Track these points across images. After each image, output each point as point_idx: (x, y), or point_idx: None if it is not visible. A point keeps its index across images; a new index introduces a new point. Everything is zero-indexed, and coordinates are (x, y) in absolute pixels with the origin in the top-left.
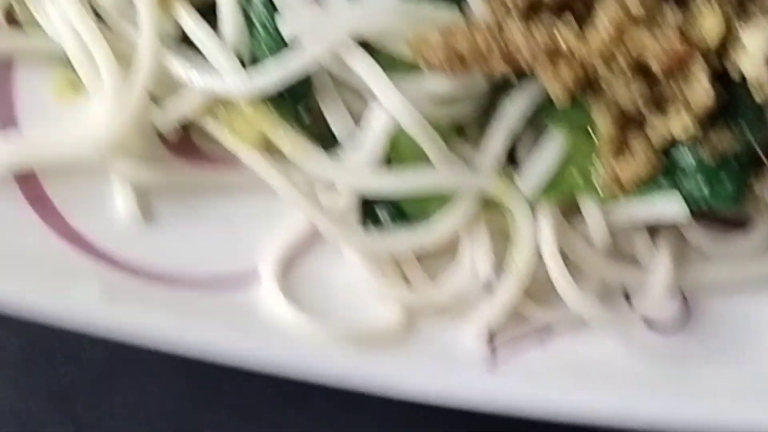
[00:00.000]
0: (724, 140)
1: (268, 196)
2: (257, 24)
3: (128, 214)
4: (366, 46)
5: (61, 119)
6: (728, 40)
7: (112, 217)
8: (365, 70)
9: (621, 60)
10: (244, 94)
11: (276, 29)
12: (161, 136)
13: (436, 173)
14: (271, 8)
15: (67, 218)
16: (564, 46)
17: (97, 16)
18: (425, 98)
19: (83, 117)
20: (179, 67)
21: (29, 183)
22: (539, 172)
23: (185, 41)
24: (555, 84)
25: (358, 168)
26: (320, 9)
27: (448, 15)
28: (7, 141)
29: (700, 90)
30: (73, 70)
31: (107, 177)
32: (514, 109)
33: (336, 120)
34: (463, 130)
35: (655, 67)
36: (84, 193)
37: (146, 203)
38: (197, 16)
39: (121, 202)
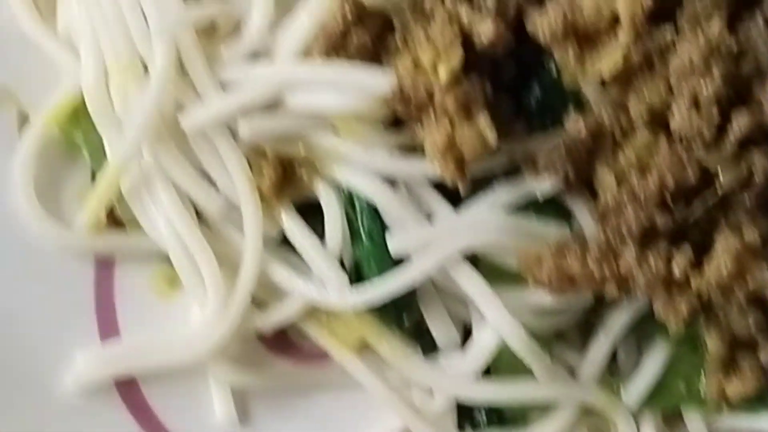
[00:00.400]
0: None
1: (363, 394)
2: (363, 235)
3: (226, 418)
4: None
5: (161, 322)
6: None
7: (209, 421)
8: (472, 286)
9: (738, 293)
10: (349, 307)
11: (383, 241)
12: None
13: (538, 386)
14: (378, 220)
15: (166, 424)
16: (680, 276)
17: (199, 215)
18: (529, 311)
19: (184, 323)
20: (284, 275)
21: (129, 388)
22: (644, 383)
23: (287, 241)
24: (670, 314)
25: (458, 376)
26: (429, 224)
27: (558, 231)
28: (110, 348)
29: None
30: (172, 266)
31: (205, 380)
32: (619, 322)
33: (438, 328)
34: (563, 334)
35: None
36: (182, 397)
37: (243, 404)
38: (302, 223)
39: (220, 406)
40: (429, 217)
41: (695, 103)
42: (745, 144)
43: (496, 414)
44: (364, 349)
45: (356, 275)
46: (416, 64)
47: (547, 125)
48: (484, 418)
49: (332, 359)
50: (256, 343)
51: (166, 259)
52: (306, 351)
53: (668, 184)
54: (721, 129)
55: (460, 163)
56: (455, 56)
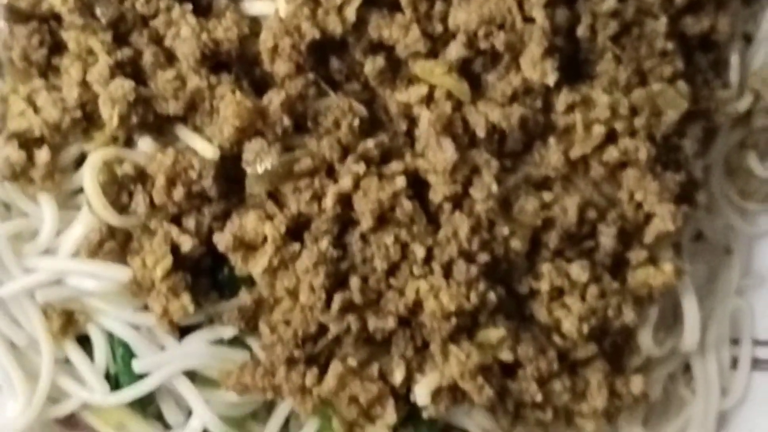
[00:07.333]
0: None
1: None
2: (119, 358)
3: None
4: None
5: None
6: None
7: None
8: (186, 390)
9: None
10: (109, 405)
11: (131, 363)
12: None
13: None
14: (129, 349)
15: None
16: (309, 387)
17: (13, 345)
18: (225, 404)
19: (2, 412)
20: (68, 384)
21: None
22: None
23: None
24: (302, 409)
25: None
26: (162, 353)
27: (242, 355)
28: None
29: None
30: None
31: None
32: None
33: (169, 413)
34: (255, 414)
35: None
36: None
37: None
38: (79, 349)
39: None
40: (162, 347)
41: (312, 288)
42: (347, 309)
43: None
44: (121, 427)
45: (116, 383)
46: (144, 264)
47: (231, 294)
48: None
49: None
50: (52, 424)
51: None
52: (86, 428)
53: (299, 333)
54: (328, 301)
55: (172, 322)
56: (167, 260)
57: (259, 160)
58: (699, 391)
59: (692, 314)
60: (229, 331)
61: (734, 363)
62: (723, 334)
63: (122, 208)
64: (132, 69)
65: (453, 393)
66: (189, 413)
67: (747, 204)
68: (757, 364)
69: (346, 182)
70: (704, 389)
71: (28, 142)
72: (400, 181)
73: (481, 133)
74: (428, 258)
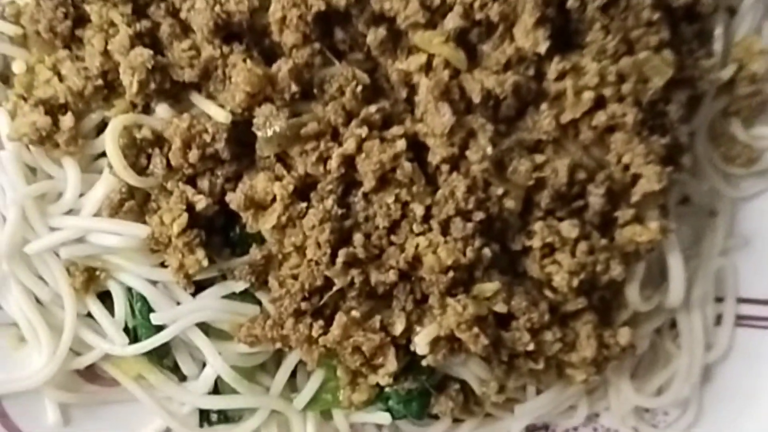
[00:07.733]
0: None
1: (140, 406)
2: (137, 312)
3: (55, 422)
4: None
5: (15, 364)
6: None
7: (46, 424)
8: (200, 342)
9: (346, 347)
10: (129, 354)
11: (149, 316)
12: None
13: (245, 398)
14: (146, 303)
15: (19, 425)
16: (315, 337)
17: (38, 300)
18: (236, 355)
19: (29, 364)
20: (89, 336)
21: None
22: (306, 395)
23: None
24: (308, 358)
25: (197, 393)
26: (176, 306)
27: (252, 309)
28: None
29: None
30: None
31: (42, 398)
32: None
33: (184, 364)
34: (263, 365)
35: None
36: (28, 409)
37: (66, 413)
38: (100, 304)
39: (51, 414)
40: (178, 302)
41: (318, 244)
42: (351, 264)
43: (223, 414)
44: (140, 378)
45: (134, 335)
46: (161, 222)
47: (243, 252)
48: (216, 417)
49: (121, 384)
50: (74, 375)
51: (17, 326)
52: (106, 379)
53: (306, 286)
54: (333, 257)
55: (187, 276)
56: (183, 217)
57: (269, 124)
58: (684, 345)
59: (678, 271)
60: (240, 286)
61: (718, 320)
62: (708, 292)
63: (141, 170)
64: (150, 39)
65: (450, 343)
66: (203, 365)
67: (730, 168)
68: (740, 320)
69: (350, 145)
70: (689, 344)
71: (53, 109)
72: (401, 144)
73: (476, 99)
74: (427, 216)
